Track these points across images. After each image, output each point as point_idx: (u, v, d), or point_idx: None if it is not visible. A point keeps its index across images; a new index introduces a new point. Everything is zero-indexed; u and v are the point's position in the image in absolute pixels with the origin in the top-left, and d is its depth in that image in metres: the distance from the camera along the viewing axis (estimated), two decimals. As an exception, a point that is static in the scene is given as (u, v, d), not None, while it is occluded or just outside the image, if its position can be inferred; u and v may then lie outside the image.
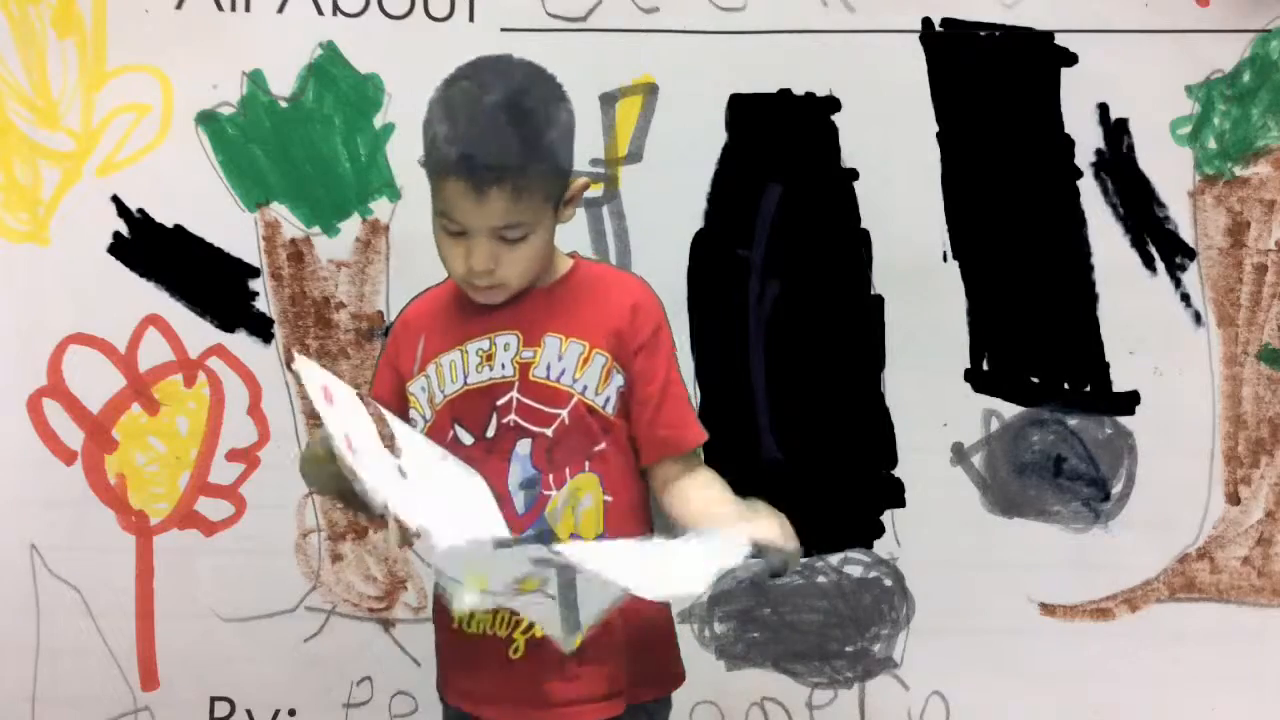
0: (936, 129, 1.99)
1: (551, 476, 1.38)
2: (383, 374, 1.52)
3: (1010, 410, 2.01)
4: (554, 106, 1.38)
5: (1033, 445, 2.01)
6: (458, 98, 1.37)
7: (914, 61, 1.98)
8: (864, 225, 2.00)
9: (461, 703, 1.45)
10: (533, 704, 1.38)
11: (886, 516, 2.01)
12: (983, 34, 1.99)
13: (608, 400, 1.40)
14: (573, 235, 1.62)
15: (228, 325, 2.02)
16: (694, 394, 1.96)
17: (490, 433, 1.40)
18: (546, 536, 1.34)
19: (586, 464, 1.40)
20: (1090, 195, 1.99)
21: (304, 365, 1.33)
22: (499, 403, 1.40)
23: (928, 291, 1.99)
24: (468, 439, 1.41)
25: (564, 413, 1.38)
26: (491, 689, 1.41)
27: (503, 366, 1.40)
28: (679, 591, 1.24)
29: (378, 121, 2.00)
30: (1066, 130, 1.99)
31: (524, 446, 1.39)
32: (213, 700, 2.03)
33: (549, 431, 1.38)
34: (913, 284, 1.99)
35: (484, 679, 1.41)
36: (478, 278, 1.38)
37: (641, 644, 1.42)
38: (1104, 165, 1.99)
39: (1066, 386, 2.01)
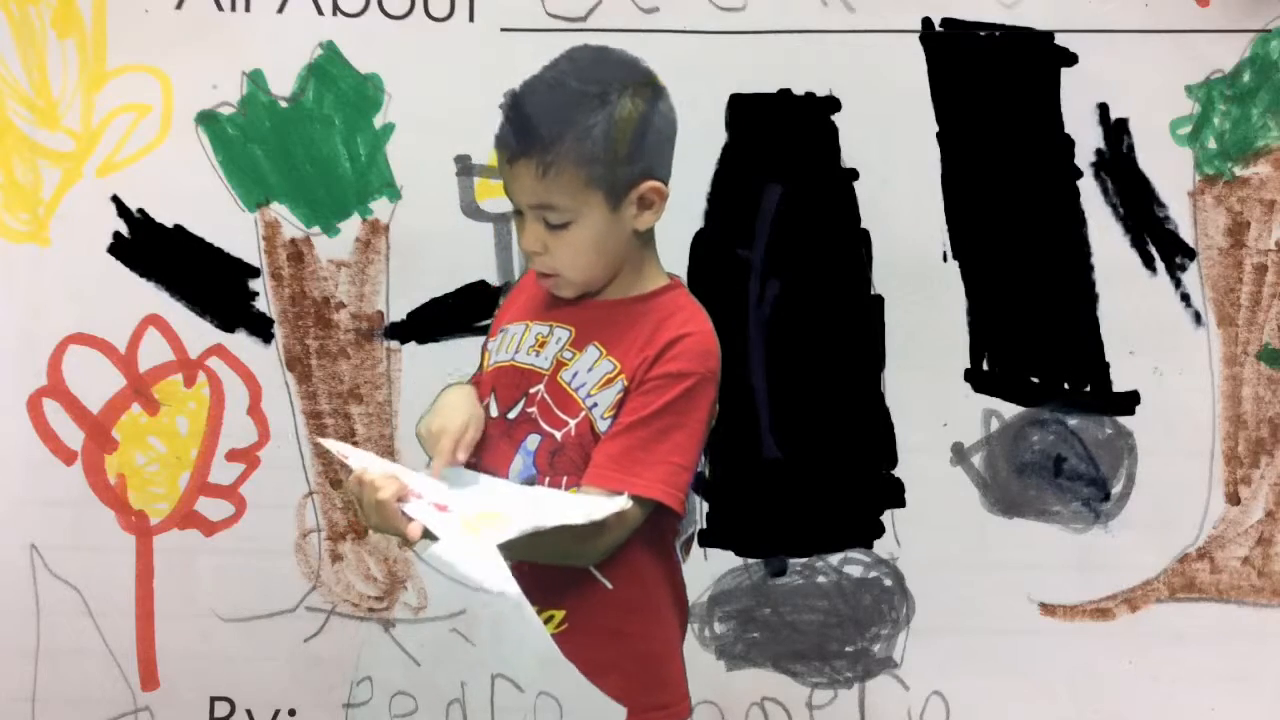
0: (936, 129, 1.99)
1: (549, 480, 1.37)
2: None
3: (1010, 410, 2.01)
4: (613, 94, 1.34)
5: (1033, 445, 2.01)
6: (526, 81, 1.38)
7: (914, 61, 1.98)
8: (864, 225, 2.00)
9: None
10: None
11: (886, 516, 2.01)
12: (983, 34, 1.99)
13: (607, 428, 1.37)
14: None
15: (228, 325, 2.02)
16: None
17: (513, 415, 1.40)
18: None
19: (580, 482, 1.36)
20: (1090, 195, 1.99)
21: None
22: (530, 390, 1.39)
23: (928, 291, 1.99)
24: (494, 411, 1.41)
25: (572, 424, 1.37)
26: None
27: (546, 358, 1.40)
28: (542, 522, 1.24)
29: (378, 121, 2.00)
30: (1066, 130, 1.99)
31: (533, 441, 1.38)
32: (213, 700, 2.03)
33: (558, 435, 1.37)
34: (913, 284, 1.99)
35: None
36: (531, 260, 1.40)
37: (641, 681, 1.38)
38: (1104, 165, 1.99)
39: (1066, 386, 2.01)
